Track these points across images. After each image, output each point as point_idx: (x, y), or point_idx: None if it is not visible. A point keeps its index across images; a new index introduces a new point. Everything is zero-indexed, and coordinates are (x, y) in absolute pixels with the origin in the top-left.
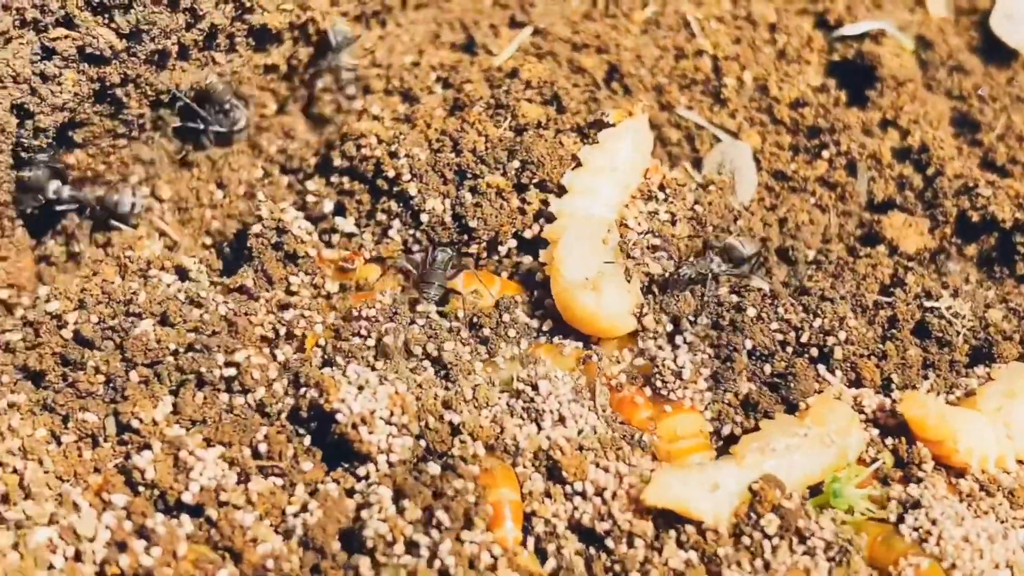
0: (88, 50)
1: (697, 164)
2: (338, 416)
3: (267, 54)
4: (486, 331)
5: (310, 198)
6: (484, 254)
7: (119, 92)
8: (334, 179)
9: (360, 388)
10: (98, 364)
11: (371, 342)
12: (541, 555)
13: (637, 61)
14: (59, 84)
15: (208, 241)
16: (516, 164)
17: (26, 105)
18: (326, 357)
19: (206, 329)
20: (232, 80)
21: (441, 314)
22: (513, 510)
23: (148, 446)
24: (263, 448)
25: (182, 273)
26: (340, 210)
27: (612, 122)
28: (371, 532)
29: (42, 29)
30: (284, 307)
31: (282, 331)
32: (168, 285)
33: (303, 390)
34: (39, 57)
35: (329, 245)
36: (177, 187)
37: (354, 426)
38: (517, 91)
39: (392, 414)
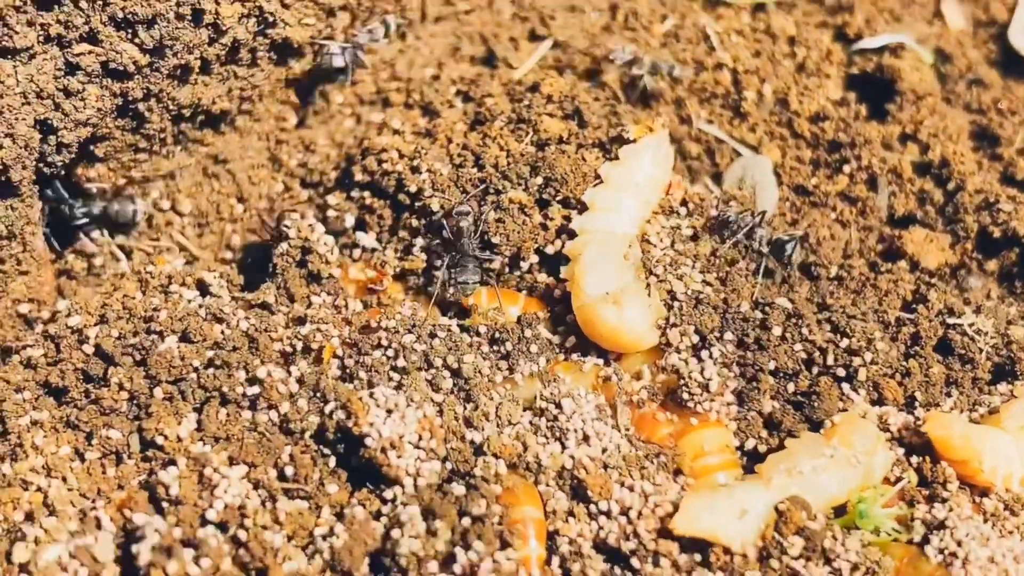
0: (111, 65)
1: (717, 178)
2: (367, 440)
3: (288, 68)
4: (507, 346)
5: (331, 212)
6: (506, 270)
7: (141, 107)
8: (355, 193)
9: (389, 412)
10: (122, 380)
11: (391, 353)
12: (566, 574)
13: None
14: (82, 100)
15: (228, 256)
16: (539, 180)
17: (50, 121)
18: (346, 370)
19: (227, 345)
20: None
21: (462, 328)
22: (537, 528)
23: (173, 462)
24: (289, 470)
25: (203, 288)
26: (361, 225)
27: (633, 138)
28: (405, 550)
29: (66, 45)
30: (301, 321)
31: (299, 345)
32: (189, 301)
33: (329, 409)
34: (63, 72)
35: (351, 259)
36: (197, 201)
37: (383, 450)
38: (539, 105)
39: (421, 438)
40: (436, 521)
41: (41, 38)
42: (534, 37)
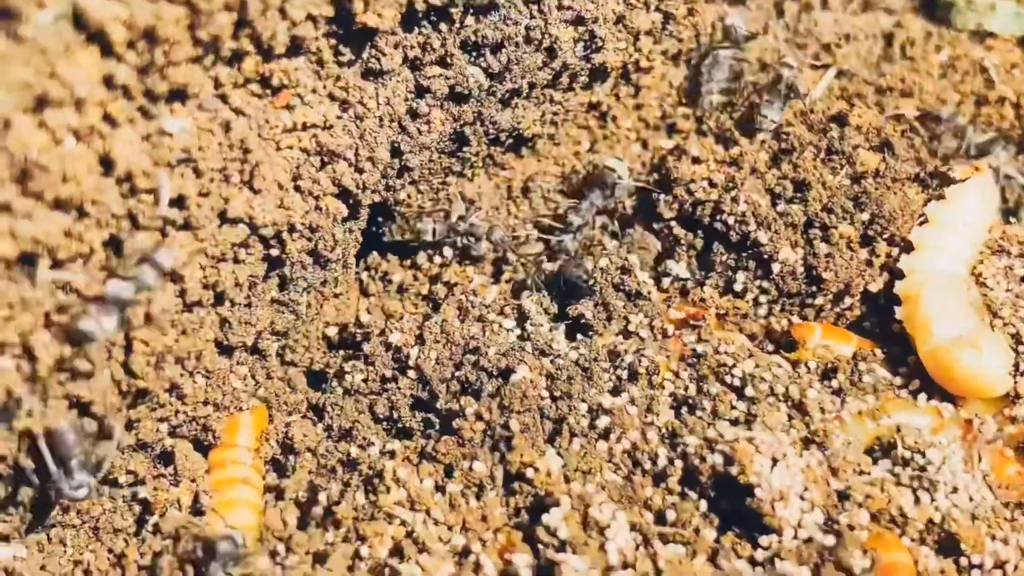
0: (457, 89)
1: (1007, 215)
2: (757, 492)
3: (592, 92)
4: (840, 379)
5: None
6: (828, 306)
7: (468, 131)
8: (656, 225)
9: (775, 460)
10: (479, 411)
11: (736, 382)
12: None
13: (941, 106)
14: (427, 123)
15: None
16: (864, 216)
17: (397, 144)
18: (681, 398)
19: (561, 375)
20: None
21: (793, 363)
22: (907, 573)
23: (556, 503)
24: (671, 515)
25: (522, 315)
26: (669, 254)
27: (959, 178)
28: None
29: (419, 67)
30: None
31: (624, 374)
32: (508, 330)
33: (692, 449)
34: (412, 95)
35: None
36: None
37: (772, 502)
38: (851, 137)
39: (807, 489)
40: None
41: (401, 61)
42: (815, 66)
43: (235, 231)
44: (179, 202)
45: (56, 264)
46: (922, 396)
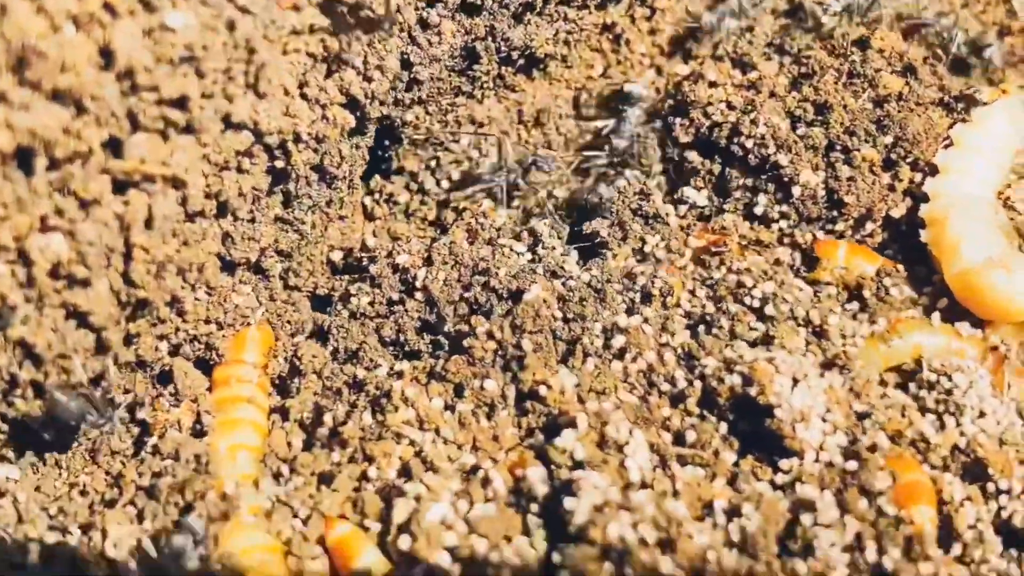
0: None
1: None
2: (777, 412)
3: (606, 12)
4: (866, 295)
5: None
6: (849, 231)
7: (479, 46)
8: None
9: (795, 380)
10: (491, 330)
11: (755, 303)
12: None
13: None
14: (439, 34)
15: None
16: (888, 139)
17: (407, 55)
18: (704, 317)
19: (572, 296)
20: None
21: (812, 282)
22: (927, 493)
23: (571, 422)
24: (691, 436)
25: (535, 238)
26: (685, 180)
27: (986, 100)
28: (824, 543)
29: None
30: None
31: (637, 296)
32: (519, 254)
33: (717, 372)
34: (424, 4)
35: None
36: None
37: (792, 423)
38: (873, 60)
39: (828, 411)
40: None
41: None
42: None
43: (239, 138)
44: (181, 103)
45: (53, 164)
46: (936, 315)
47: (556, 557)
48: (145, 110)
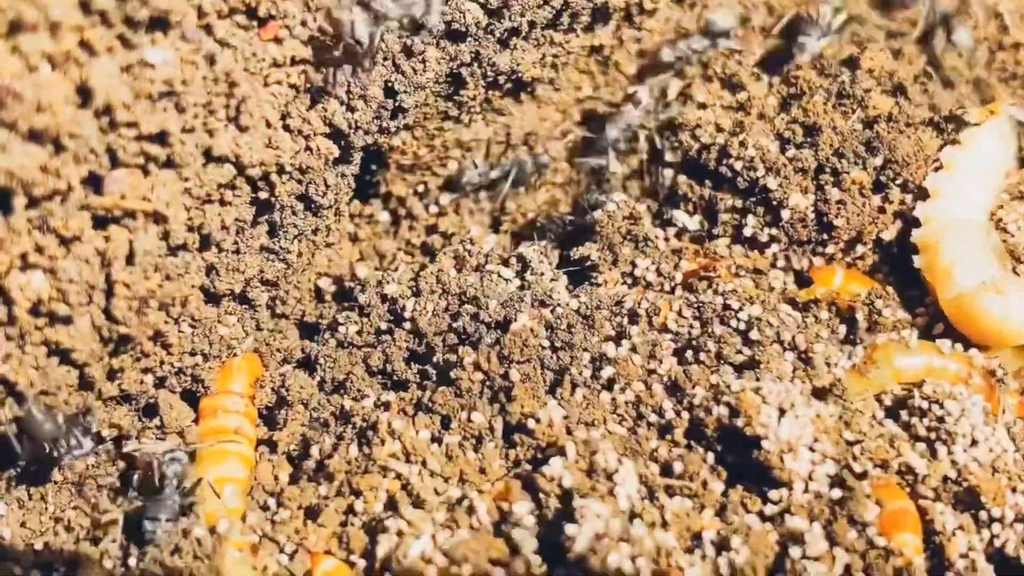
0: (454, 26)
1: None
2: (764, 444)
3: (594, 34)
4: (858, 318)
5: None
6: (839, 254)
7: (464, 72)
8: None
9: (782, 411)
10: (478, 361)
11: (740, 326)
12: None
13: None
14: (423, 62)
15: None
16: (878, 161)
17: (391, 83)
18: (691, 342)
19: (560, 324)
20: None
21: (803, 307)
22: (912, 522)
23: (560, 452)
24: (678, 467)
25: (524, 264)
26: (674, 203)
27: (975, 121)
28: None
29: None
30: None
31: (625, 320)
32: (507, 280)
33: (705, 403)
34: (407, 33)
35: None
36: None
37: (780, 454)
38: (862, 80)
39: (816, 440)
40: (836, 548)
41: None
42: None
43: (221, 171)
44: (161, 138)
45: (32, 202)
46: (913, 336)
47: None
48: (125, 146)
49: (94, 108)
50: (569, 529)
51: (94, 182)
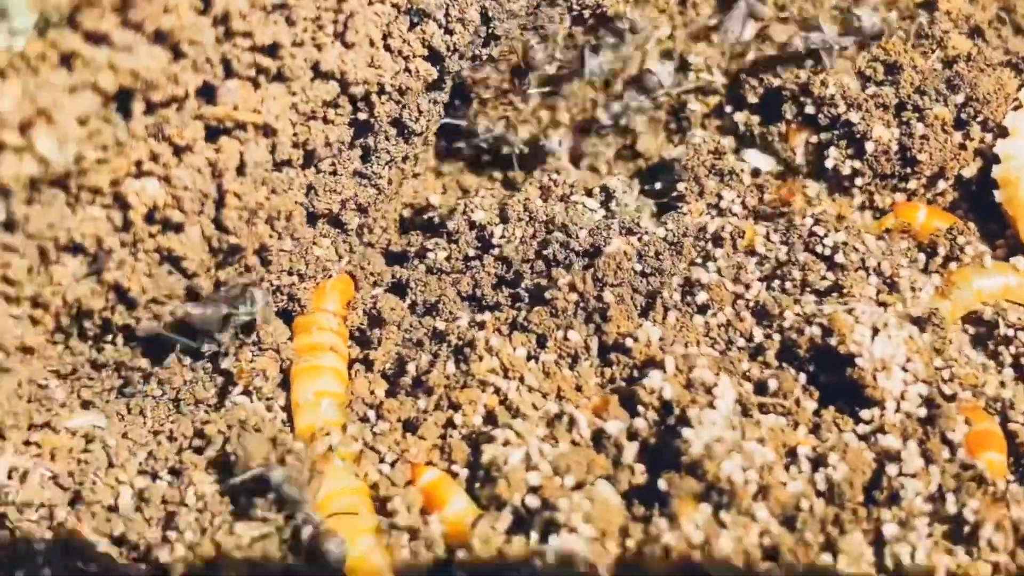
0: None
1: None
2: (858, 361)
3: None
4: (940, 252)
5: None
6: (921, 190)
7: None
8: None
9: (875, 331)
10: (573, 282)
11: (826, 252)
12: None
13: None
14: None
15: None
16: (959, 99)
17: (486, 10)
18: (778, 269)
19: (648, 251)
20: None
21: (877, 239)
22: (998, 441)
23: (661, 365)
24: (772, 384)
25: (607, 195)
26: (749, 142)
27: None
28: (909, 493)
29: None
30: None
31: (710, 245)
32: (592, 211)
33: (796, 325)
34: None
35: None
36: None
37: (874, 372)
38: (940, 22)
39: (909, 360)
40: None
41: None
42: None
43: (326, 87)
44: (272, 51)
45: (149, 108)
46: (987, 258)
47: (662, 484)
48: (239, 56)
49: (213, 15)
50: (686, 432)
51: (207, 93)
